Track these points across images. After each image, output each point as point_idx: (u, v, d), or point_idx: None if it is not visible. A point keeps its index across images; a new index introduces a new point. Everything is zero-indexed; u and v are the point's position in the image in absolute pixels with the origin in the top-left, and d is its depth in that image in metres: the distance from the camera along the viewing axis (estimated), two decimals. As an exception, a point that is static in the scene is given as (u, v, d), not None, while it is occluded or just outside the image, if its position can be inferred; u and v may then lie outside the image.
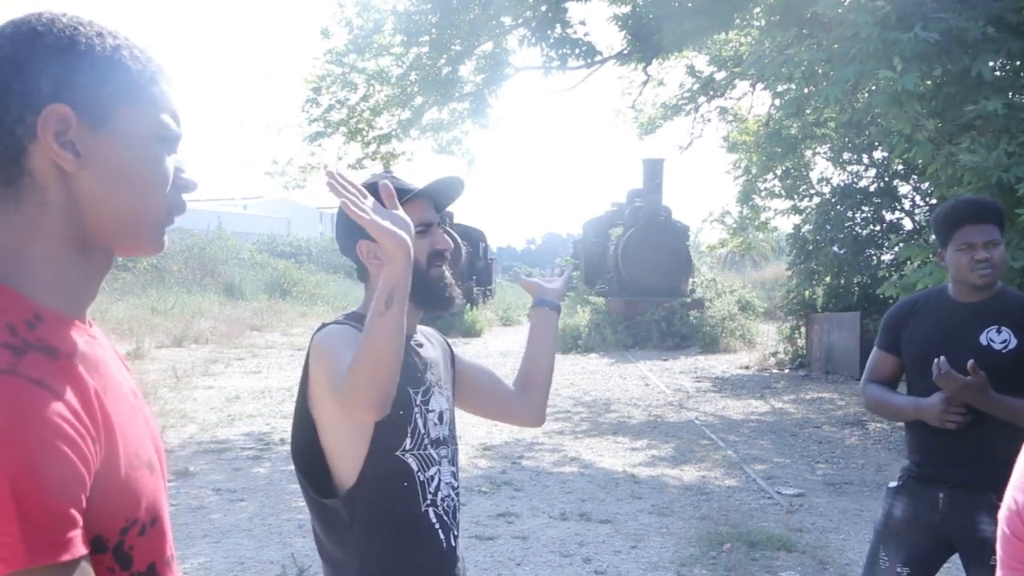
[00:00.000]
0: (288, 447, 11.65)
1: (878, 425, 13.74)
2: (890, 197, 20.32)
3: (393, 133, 19.07)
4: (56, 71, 1.44)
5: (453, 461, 2.84)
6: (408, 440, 2.67)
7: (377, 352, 2.33)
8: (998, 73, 11.07)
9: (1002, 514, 1.23)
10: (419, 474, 2.70)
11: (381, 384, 2.35)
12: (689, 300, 27.35)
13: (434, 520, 2.73)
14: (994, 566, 4.30)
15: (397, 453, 2.66)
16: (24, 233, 1.46)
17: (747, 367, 22.31)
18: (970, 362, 3.99)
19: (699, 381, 19.64)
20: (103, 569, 1.40)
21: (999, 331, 4.19)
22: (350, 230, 2.74)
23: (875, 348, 4.62)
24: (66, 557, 1.28)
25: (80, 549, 1.31)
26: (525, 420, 3.12)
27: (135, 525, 1.46)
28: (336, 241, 2.88)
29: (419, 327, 2.88)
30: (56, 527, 1.29)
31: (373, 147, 19.08)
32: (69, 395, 1.35)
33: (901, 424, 4.72)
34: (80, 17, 1.50)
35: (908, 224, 20.02)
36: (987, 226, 4.23)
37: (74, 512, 1.31)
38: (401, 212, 2.35)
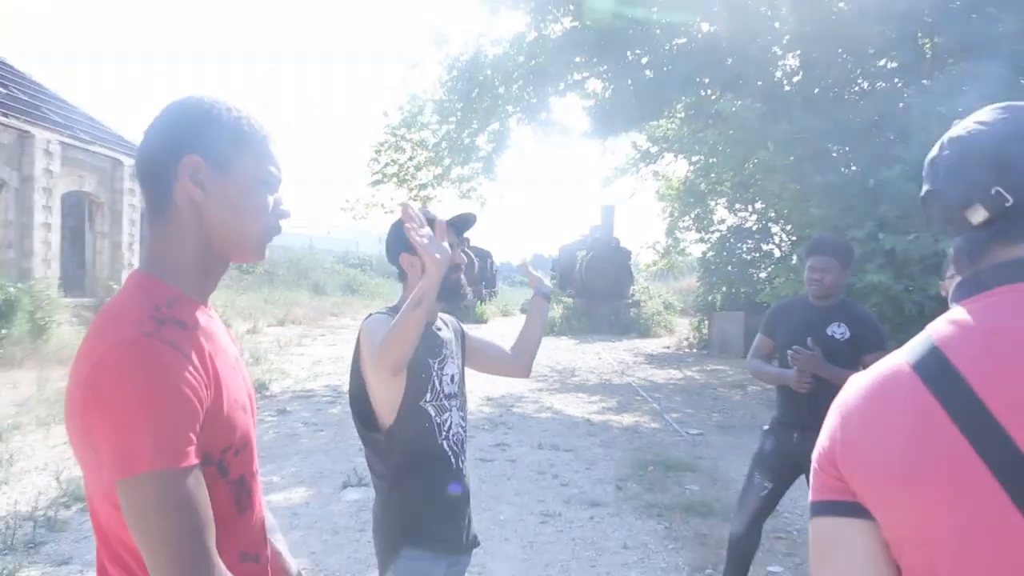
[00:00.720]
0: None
1: (755, 388, 13.73)
2: (765, 234, 20.31)
3: (429, 183, 19.08)
4: (195, 132, 1.51)
5: (462, 408, 2.87)
6: (428, 394, 2.74)
7: (402, 334, 2.44)
8: (835, 155, 11.13)
9: (813, 453, 1.25)
10: (436, 418, 2.75)
11: (400, 354, 2.48)
12: (630, 301, 27.34)
13: (447, 450, 2.78)
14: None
15: (420, 403, 2.72)
16: (169, 243, 1.53)
17: (668, 348, 22.28)
18: (808, 339, 4.24)
19: (636, 356, 19.61)
20: (209, 476, 1.43)
21: (839, 326, 4.30)
22: (396, 245, 2.86)
23: (759, 334, 4.69)
24: (184, 464, 1.33)
25: (193, 460, 1.35)
26: (517, 373, 3.14)
27: (231, 448, 1.50)
28: (385, 252, 2.92)
29: (440, 315, 2.92)
30: (178, 444, 1.33)
31: (415, 192, 19.08)
32: (192, 354, 1.40)
33: (772, 386, 4.76)
34: (218, 97, 1.57)
35: (777, 252, 20.01)
36: (824, 257, 4.34)
37: (191, 435, 1.35)
38: (446, 244, 2.39)
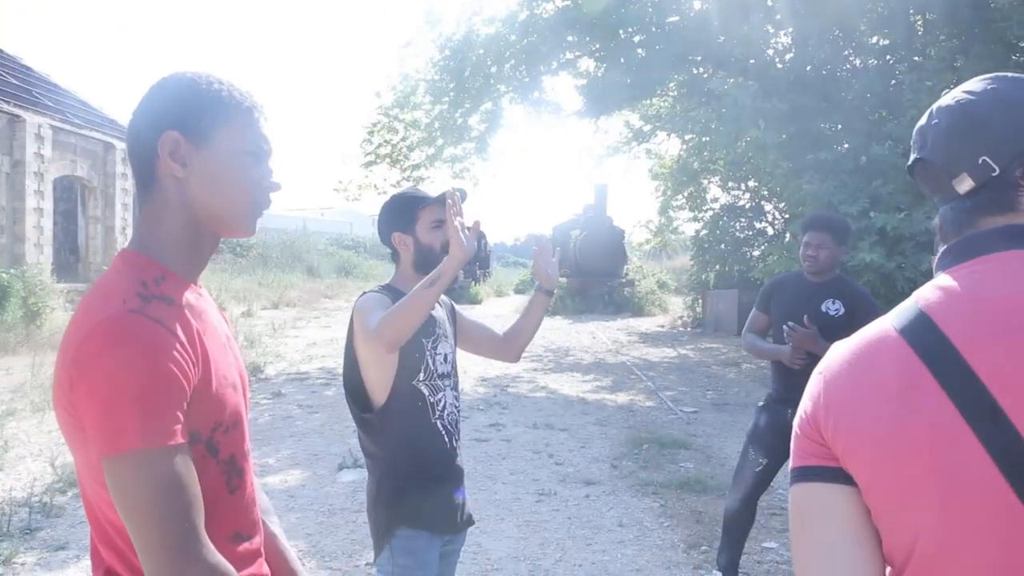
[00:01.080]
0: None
1: (749, 365, 13.76)
2: (758, 212, 20.34)
3: (422, 163, 19.04)
4: (173, 108, 1.48)
5: (455, 388, 2.86)
6: (421, 374, 2.71)
7: (412, 311, 2.44)
8: (827, 133, 11.11)
9: (795, 419, 1.24)
10: (430, 397, 2.73)
11: (404, 330, 2.46)
12: (624, 280, 27.33)
13: (441, 429, 2.76)
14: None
15: (413, 383, 2.70)
16: (156, 221, 1.51)
17: (662, 326, 22.31)
18: (804, 317, 4.22)
19: (630, 335, 19.63)
20: (198, 456, 1.41)
21: (834, 302, 4.30)
22: (388, 224, 2.85)
23: (753, 309, 4.69)
24: (171, 442, 1.32)
25: (180, 439, 1.34)
26: (506, 358, 3.10)
27: (221, 426, 1.48)
28: (377, 231, 2.89)
29: None
30: (164, 422, 1.32)
31: (408, 173, 19.04)
32: (178, 331, 1.38)
33: (766, 363, 4.76)
34: (202, 71, 1.54)
35: (770, 230, 20.04)
36: (819, 234, 4.33)
37: (178, 413, 1.34)
38: (471, 235, 2.45)
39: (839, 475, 1.17)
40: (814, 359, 4.16)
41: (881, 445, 1.12)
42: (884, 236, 9.29)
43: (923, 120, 1.32)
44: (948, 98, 1.29)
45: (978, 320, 1.13)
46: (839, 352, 1.24)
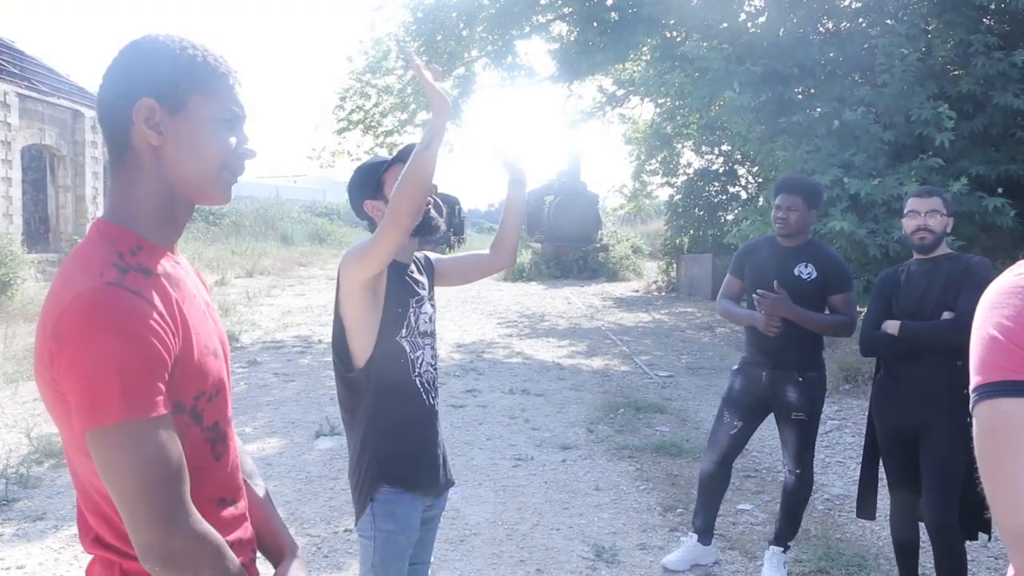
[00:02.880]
0: (324, 345, 11.63)
1: (723, 329, 13.85)
2: (732, 177, 20.39)
3: (395, 129, 18.88)
4: (147, 74, 1.46)
5: (433, 347, 2.87)
6: (404, 330, 2.73)
7: (416, 176, 2.39)
8: (800, 97, 11.12)
9: (996, 329, 1.18)
10: (410, 354, 2.74)
11: (416, 200, 2.42)
12: (598, 245, 27.34)
13: (420, 386, 2.78)
14: (795, 420, 4.42)
15: (396, 338, 2.71)
16: (130, 189, 1.49)
17: (637, 291, 22.37)
18: (775, 282, 4.25)
19: (604, 300, 19.67)
20: (182, 424, 1.42)
21: (806, 266, 4.32)
22: (358, 192, 2.83)
23: (728, 274, 4.70)
24: (153, 414, 1.32)
25: (163, 409, 1.34)
26: (501, 265, 3.11)
27: (204, 394, 1.48)
28: (351, 207, 2.89)
29: (415, 256, 2.88)
30: (146, 393, 1.32)
31: (382, 139, 18.89)
32: (157, 302, 1.38)
33: (741, 327, 4.80)
34: (174, 35, 1.52)
35: (744, 195, 20.10)
36: (790, 196, 4.36)
37: (159, 384, 1.34)
38: (445, 87, 2.39)
39: None
40: (788, 324, 4.22)
41: None
42: (856, 202, 9.34)
43: None
44: None
45: None
46: None
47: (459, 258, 3.14)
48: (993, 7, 10.20)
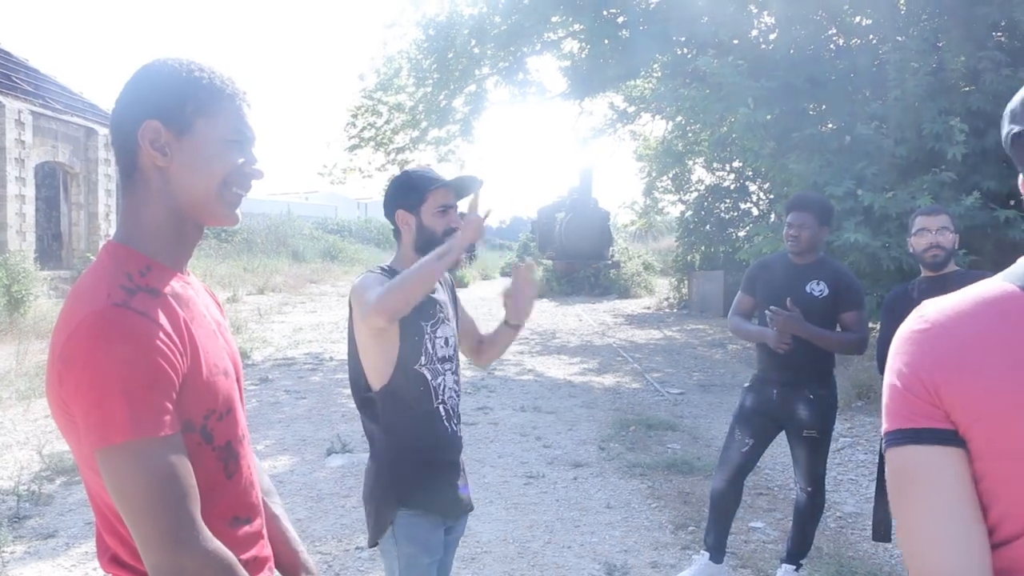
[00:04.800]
0: (335, 362, 11.65)
1: (734, 346, 13.82)
2: (744, 193, 20.37)
3: (407, 146, 18.97)
4: (154, 96, 1.48)
5: (456, 372, 2.83)
6: (423, 358, 2.69)
7: (415, 282, 2.45)
8: (812, 112, 11.14)
9: (892, 378, 1.21)
10: (432, 382, 2.71)
11: (405, 302, 2.47)
12: (610, 262, 27.36)
13: (443, 414, 2.75)
14: (806, 437, 4.41)
15: (415, 367, 2.67)
16: (139, 211, 1.52)
17: (648, 308, 22.35)
18: (788, 300, 4.24)
19: (616, 317, 19.67)
20: (193, 443, 1.44)
21: (818, 284, 4.31)
22: (393, 200, 2.81)
23: (739, 291, 4.69)
24: (160, 433, 1.33)
25: (170, 429, 1.35)
26: (476, 362, 3.11)
27: (214, 413, 1.49)
28: (383, 205, 2.86)
29: None
30: (153, 413, 1.33)
31: (393, 156, 18.98)
32: (164, 322, 1.39)
33: (752, 344, 4.80)
34: (184, 58, 1.54)
35: (756, 211, 20.07)
36: (801, 214, 4.36)
37: (167, 404, 1.35)
38: (483, 220, 2.52)
39: (951, 437, 1.14)
40: (799, 341, 4.22)
41: (1011, 407, 1.09)
42: (870, 215, 9.34)
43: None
44: None
45: None
46: (947, 309, 1.20)
47: (467, 316, 3.09)
48: (1004, 23, 10.19)
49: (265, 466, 6.74)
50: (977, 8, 9.69)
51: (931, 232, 3.94)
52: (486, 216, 2.52)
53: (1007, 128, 1.27)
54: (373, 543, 2.73)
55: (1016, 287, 1.16)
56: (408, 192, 2.77)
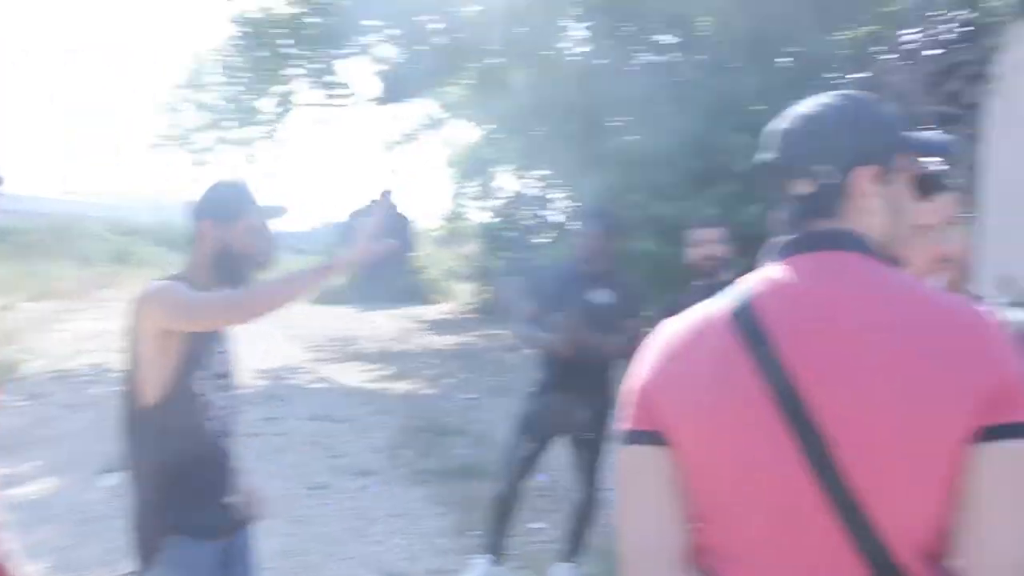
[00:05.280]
0: (118, 373, 11.08)
1: (530, 351, 13.99)
2: (546, 202, 20.79)
3: (210, 147, 18.26)
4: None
5: (229, 388, 2.76)
6: (201, 371, 2.61)
7: (284, 297, 2.45)
8: (616, 125, 11.43)
9: (627, 384, 1.48)
10: (204, 397, 2.62)
11: (269, 311, 2.46)
12: (411, 268, 27.32)
13: (213, 430, 2.67)
14: (584, 440, 4.53)
15: (189, 380, 2.58)
16: None
17: (449, 313, 22.49)
18: (570, 308, 4.33)
19: (417, 323, 19.71)
20: None
21: (603, 292, 4.52)
22: (208, 209, 2.68)
23: (527, 298, 4.80)
24: None
25: None
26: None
27: None
28: (192, 210, 2.70)
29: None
30: None
31: (198, 156, 18.22)
32: None
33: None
34: None
35: (557, 219, 20.49)
36: (591, 224, 4.62)
37: None
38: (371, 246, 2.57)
39: (658, 438, 1.35)
40: (582, 348, 4.30)
41: (698, 412, 1.31)
42: (662, 225, 9.68)
43: (779, 123, 1.45)
44: (803, 106, 1.44)
45: (793, 312, 1.29)
46: (674, 323, 1.42)
47: None
48: (792, 50, 10.82)
49: (29, 491, 6.25)
50: (767, 30, 10.24)
51: (708, 243, 4.16)
52: (375, 240, 2.54)
53: (757, 156, 1.48)
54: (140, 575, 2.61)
55: (721, 310, 1.35)
56: (224, 206, 2.68)
